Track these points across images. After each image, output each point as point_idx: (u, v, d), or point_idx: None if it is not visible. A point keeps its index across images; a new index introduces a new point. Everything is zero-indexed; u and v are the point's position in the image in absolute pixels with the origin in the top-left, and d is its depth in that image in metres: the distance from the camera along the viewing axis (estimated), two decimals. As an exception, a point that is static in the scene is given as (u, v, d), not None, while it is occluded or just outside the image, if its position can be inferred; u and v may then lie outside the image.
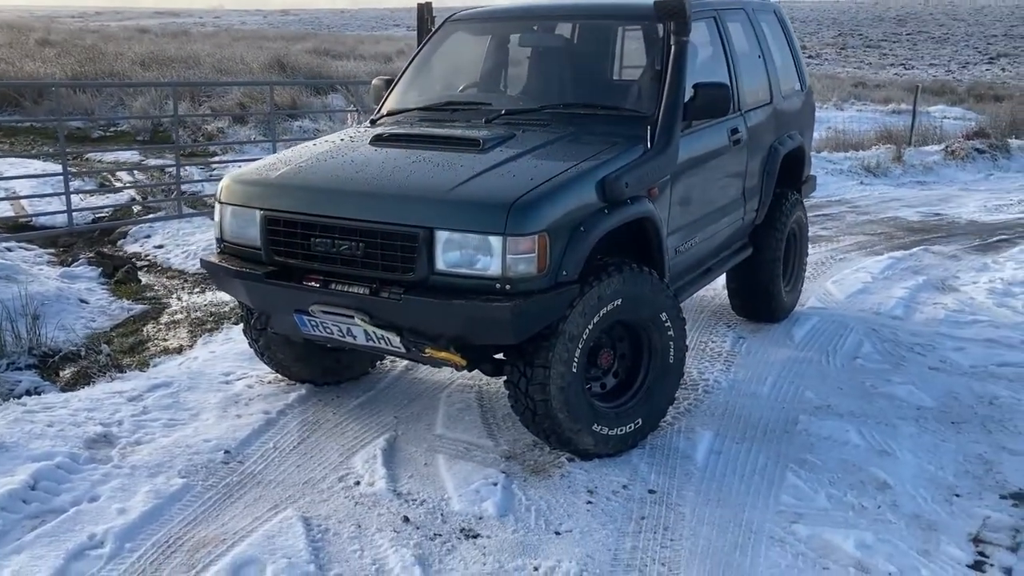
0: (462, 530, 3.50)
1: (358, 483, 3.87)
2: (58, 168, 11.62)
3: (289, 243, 3.98)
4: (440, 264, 3.66)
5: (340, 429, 4.42)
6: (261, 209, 4.05)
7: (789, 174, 6.16)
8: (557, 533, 3.48)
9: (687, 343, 4.37)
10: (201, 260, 4.46)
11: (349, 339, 4.04)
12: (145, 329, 6.34)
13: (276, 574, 3.17)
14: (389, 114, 5.12)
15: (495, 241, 3.58)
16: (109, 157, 12.56)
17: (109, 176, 11.23)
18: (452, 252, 3.65)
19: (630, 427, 4.14)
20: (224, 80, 16.58)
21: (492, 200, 3.65)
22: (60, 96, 13.70)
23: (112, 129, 14.72)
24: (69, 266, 7.89)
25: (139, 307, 6.82)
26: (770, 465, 4.04)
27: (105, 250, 8.57)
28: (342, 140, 4.68)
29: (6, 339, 5.55)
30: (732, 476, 3.95)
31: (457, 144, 4.24)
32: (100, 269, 7.78)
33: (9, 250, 8.28)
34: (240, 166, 5.39)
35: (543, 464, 4.04)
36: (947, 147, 15.04)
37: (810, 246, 8.25)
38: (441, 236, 3.65)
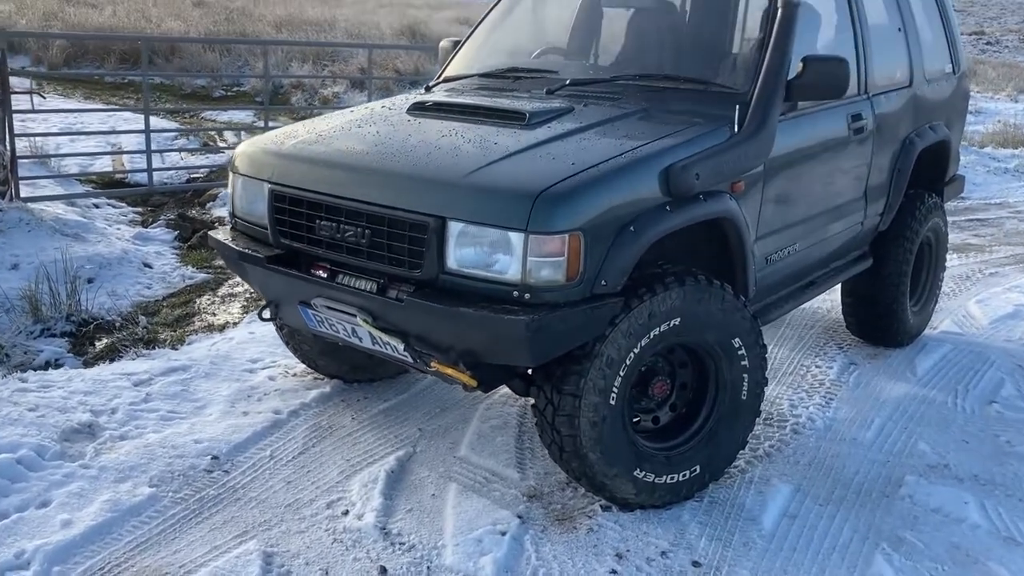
0: (445, 593, 2.85)
1: (346, 512, 3.27)
2: (169, 124, 11.64)
3: (295, 224, 3.39)
4: (451, 262, 2.99)
5: (352, 439, 3.84)
6: (269, 182, 3.49)
7: (928, 173, 5.17)
8: (562, 610, 2.79)
9: (767, 370, 3.55)
10: (208, 235, 3.95)
11: (355, 341, 3.44)
12: (198, 301, 5.96)
13: (207, 629, 2.61)
14: (446, 80, 4.47)
15: (515, 238, 2.88)
16: (223, 117, 12.45)
17: (216, 136, 11.06)
18: (466, 248, 2.98)
19: (684, 475, 3.37)
20: (322, 41, 16.36)
21: (516, 188, 2.95)
22: (155, 51, 13.81)
23: (235, 89, 14.70)
24: (147, 227, 7.65)
25: (201, 276, 6.46)
26: (856, 541, 3.20)
27: (192, 212, 8.31)
28: (383, 108, 4.07)
29: (43, 302, 5.26)
30: (804, 552, 3.13)
31: (500, 117, 3.55)
32: (177, 232, 7.50)
33: (96, 207, 8.13)
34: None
35: (571, 511, 3.34)
36: None
37: (957, 256, 7.17)
38: (454, 228, 2.97)
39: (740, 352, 3.38)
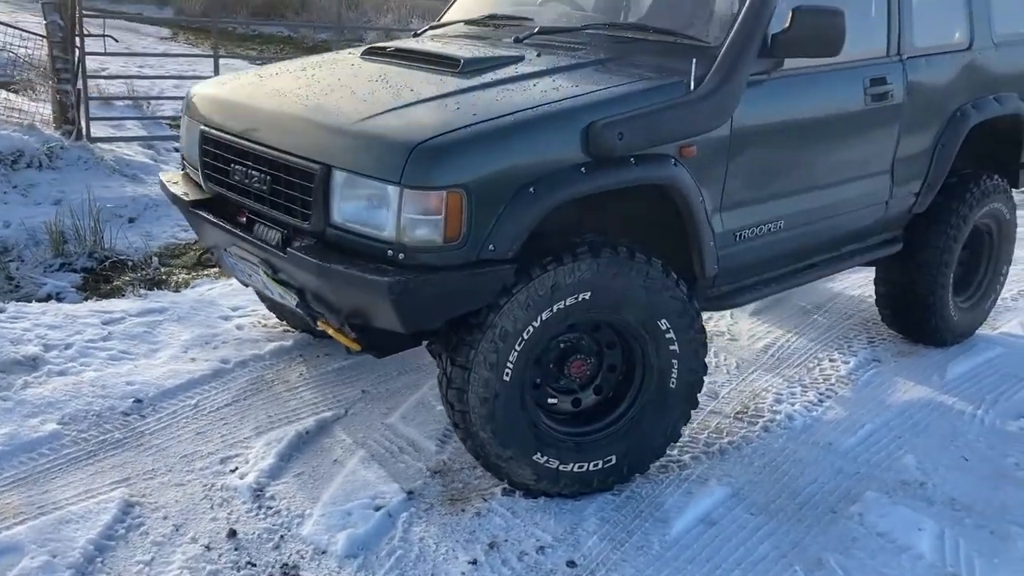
0: (284, 566, 2.67)
1: (235, 469, 3.15)
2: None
3: (217, 168, 3.28)
4: (336, 215, 2.79)
5: (289, 395, 3.72)
6: (201, 123, 3.39)
7: (993, 151, 4.54)
8: (397, 600, 2.57)
9: (705, 362, 3.16)
10: (159, 177, 3.90)
11: (268, 292, 3.30)
12: (227, 246, 5.99)
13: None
14: (433, 27, 4.23)
15: (391, 192, 2.65)
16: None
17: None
18: (349, 201, 2.77)
19: (596, 464, 3.06)
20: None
21: (395, 138, 2.70)
22: (287, 4, 13.97)
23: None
24: (213, 172, 7.79)
25: (241, 222, 6.49)
26: (769, 559, 2.80)
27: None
28: (348, 52, 3.91)
29: (68, 238, 5.41)
30: (702, 566, 2.76)
31: (436, 64, 3.29)
32: (240, 179, 7.59)
33: (177, 151, 8.36)
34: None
35: (470, 491, 3.09)
36: None
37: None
38: (339, 178, 2.76)
39: (668, 335, 3.02)
